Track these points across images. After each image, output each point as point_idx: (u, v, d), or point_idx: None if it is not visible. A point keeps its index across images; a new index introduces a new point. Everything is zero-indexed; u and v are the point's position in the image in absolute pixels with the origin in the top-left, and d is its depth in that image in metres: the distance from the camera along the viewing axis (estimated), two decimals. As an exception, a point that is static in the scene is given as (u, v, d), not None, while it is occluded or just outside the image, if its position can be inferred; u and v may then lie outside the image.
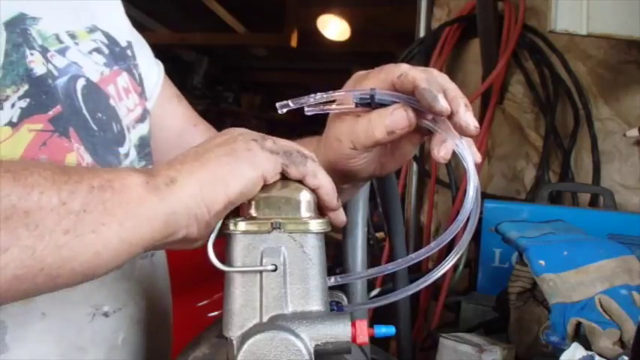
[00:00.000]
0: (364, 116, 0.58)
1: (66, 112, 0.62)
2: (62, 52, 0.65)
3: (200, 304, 2.29)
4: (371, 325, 0.52)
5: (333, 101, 0.61)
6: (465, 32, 1.83)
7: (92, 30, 0.71)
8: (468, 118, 0.54)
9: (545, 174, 1.65)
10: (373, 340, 0.54)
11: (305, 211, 0.54)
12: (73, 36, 0.67)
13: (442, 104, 0.53)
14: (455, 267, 1.66)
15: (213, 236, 0.53)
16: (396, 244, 0.79)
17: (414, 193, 1.91)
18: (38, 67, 0.61)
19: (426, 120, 0.57)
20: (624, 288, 0.92)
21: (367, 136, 0.58)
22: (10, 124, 0.57)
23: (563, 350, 0.82)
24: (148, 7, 4.52)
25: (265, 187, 0.54)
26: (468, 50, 1.87)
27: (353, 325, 0.50)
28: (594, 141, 1.60)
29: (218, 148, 0.53)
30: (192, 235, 0.52)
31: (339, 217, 0.57)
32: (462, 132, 0.55)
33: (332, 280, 0.57)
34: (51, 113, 0.61)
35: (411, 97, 0.55)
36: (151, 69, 0.84)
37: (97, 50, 0.70)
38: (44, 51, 0.63)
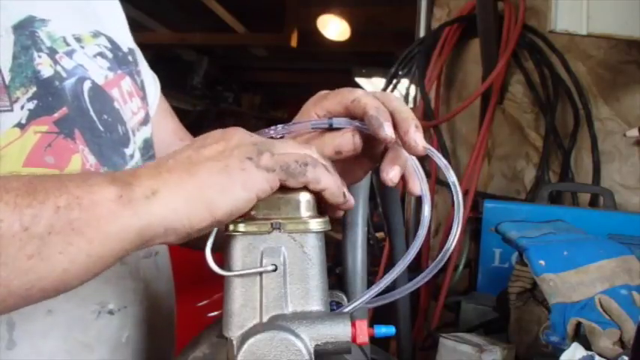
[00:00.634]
0: (319, 133, 0.61)
1: (72, 113, 0.63)
2: (70, 54, 0.66)
3: (200, 304, 2.29)
4: (371, 325, 0.52)
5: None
6: (465, 32, 1.83)
7: (96, 35, 0.72)
8: (417, 137, 0.55)
9: (545, 174, 1.66)
10: (373, 340, 0.54)
11: (305, 211, 0.54)
12: (78, 39, 0.68)
13: (387, 132, 0.55)
14: (455, 267, 1.66)
15: (210, 241, 0.53)
16: (396, 244, 0.79)
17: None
18: (46, 69, 0.62)
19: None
20: (624, 288, 0.92)
21: (318, 151, 0.59)
22: (19, 125, 0.58)
23: (563, 350, 0.82)
24: (148, 7, 4.52)
25: None
26: (468, 50, 1.87)
27: (353, 325, 0.50)
28: (594, 141, 1.60)
29: (211, 162, 0.50)
30: (170, 242, 0.51)
31: (348, 205, 0.57)
32: (411, 151, 0.56)
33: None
34: (56, 115, 0.61)
35: (364, 123, 0.58)
36: (151, 80, 0.86)
37: (101, 54, 0.71)
38: (52, 53, 0.64)
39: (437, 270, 0.56)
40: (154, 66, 0.89)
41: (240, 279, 0.52)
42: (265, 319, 0.51)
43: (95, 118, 0.66)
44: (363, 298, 0.55)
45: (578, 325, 0.86)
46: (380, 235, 2.13)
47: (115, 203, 0.47)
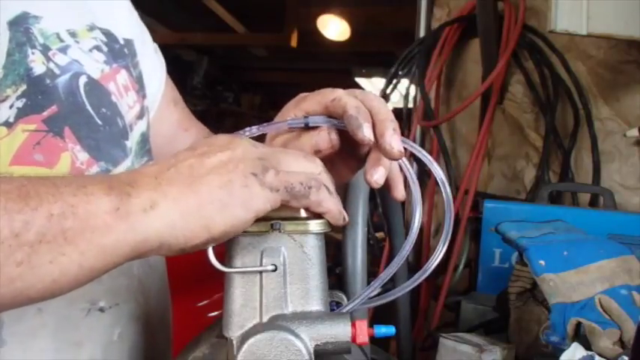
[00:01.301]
0: (297, 132, 0.61)
1: (64, 111, 0.62)
2: (64, 50, 0.65)
3: (200, 304, 2.29)
4: (371, 325, 0.52)
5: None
6: (465, 32, 1.83)
7: (91, 28, 0.71)
8: (394, 141, 0.54)
9: (545, 174, 1.66)
10: (373, 340, 0.54)
11: (304, 212, 0.54)
12: (73, 34, 0.68)
13: (365, 133, 0.54)
14: (455, 267, 1.66)
15: None
16: (396, 244, 0.79)
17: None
18: (38, 67, 0.62)
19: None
20: (624, 288, 0.92)
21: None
22: (6, 124, 0.58)
23: (563, 350, 0.82)
24: (148, 7, 4.52)
25: None
26: (468, 50, 1.87)
27: (353, 325, 0.50)
28: (594, 141, 1.60)
29: (213, 176, 0.49)
30: (162, 255, 0.50)
31: (345, 224, 0.57)
32: (386, 155, 0.55)
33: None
34: (45, 114, 0.61)
35: (342, 121, 0.57)
36: (155, 69, 0.85)
37: (97, 48, 0.70)
38: (46, 49, 0.63)
39: (431, 269, 0.55)
40: (153, 66, 0.89)
41: (241, 279, 0.52)
42: (265, 319, 0.51)
43: (93, 112, 0.66)
44: (359, 298, 0.55)
45: (578, 325, 0.86)
46: (380, 235, 2.13)
47: (112, 216, 0.46)
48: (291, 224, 0.52)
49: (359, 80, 5.73)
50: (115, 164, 0.68)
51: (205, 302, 2.31)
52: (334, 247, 0.87)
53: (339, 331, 0.50)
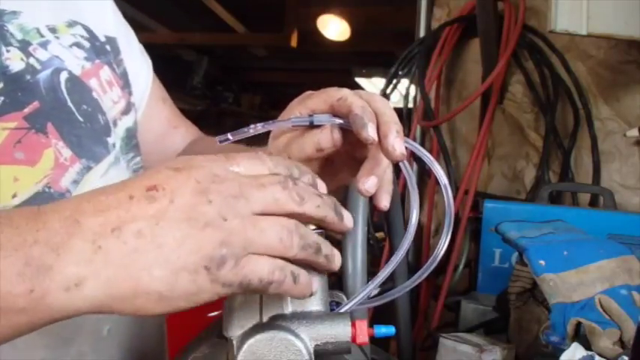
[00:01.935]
0: (300, 131, 0.60)
1: (46, 106, 0.62)
2: (44, 45, 0.65)
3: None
4: (371, 325, 0.52)
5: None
6: (465, 32, 1.83)
7: (72, 24, 0.71)
8: (396, 143, 0.53)
9: (545, 174, 1.65)
10: (373, 340, 0.54)
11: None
12: (53, 30, 0.67)
13: (369, 132, 0.53)
14: (455, 267, 1.66)
15: None
16: (396, 244, 0.79)
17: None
18: (15, 64, 0.61)
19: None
20: (624, 288, 0.92)
21: (299, 150, 0.59)
22: None
23: (563, 350, 0.82)
24: (148, 7, 4.52)
25: None
26: (468, 50, 1.87)
27: (353, 325, 0.50)
28: (594, 141, 1.60)
29: (159, 261, 0.41)
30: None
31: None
32: (389, 156, 0.55)
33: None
34: (27, 110, 0.60)
35: (347, 120, 0.56)
36: (141, 68, 0.84)
37: (77, 44, 0.70)
38: (25, 45, 0.62)
39: (430, 270, 0.55)
40: (153, 66, 0.89)
41: (240, 279, 0.52)
42: (265, 319, 0.51)
43: (74, 109, 0.65)
44: (357, 298, 0.54)
45: (578, 325, 0.86)
46: (380, 235, 2.12)
47: (25, 299, 0.40)
48: (291, 224, 0.52)
49: (359, 80, 5.73)
50: (96, 161, 0.67)
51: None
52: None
53: (339, 331, 0.50)
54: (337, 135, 0.57)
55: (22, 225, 0.42)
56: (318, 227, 0.49)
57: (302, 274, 0.46)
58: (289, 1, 4.84)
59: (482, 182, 1.79)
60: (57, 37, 0.67)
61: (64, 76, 0.65)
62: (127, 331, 0.69)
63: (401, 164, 0.57)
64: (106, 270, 0.41)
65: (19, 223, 0.42)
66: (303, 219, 0.46)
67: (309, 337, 0.49)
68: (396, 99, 2.19)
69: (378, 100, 0.57)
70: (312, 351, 0.49)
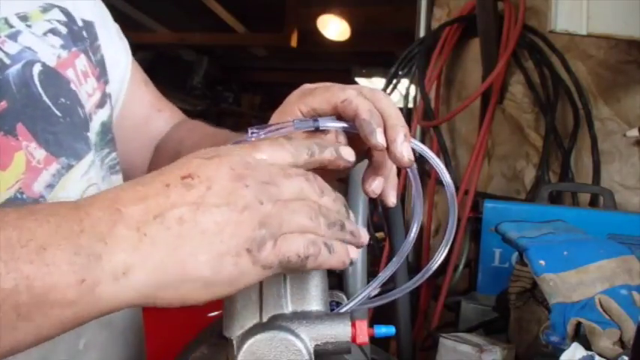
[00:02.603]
0: (303, 134, 0.56)
1: (15, 105, 0.58)
2: (13, 37, 0.60)
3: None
4: (371, 325, 0.52)
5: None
6: (465, 32, 1.83)
7: (47, 9, 0.65)
8: (404, 149, 0.52)
9: (545, 174, 1.66)
10: (373, 340, 0.54)
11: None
12: (24, 18, 0.62)
13: (378, 139, 0.51)
14: (455, 267, 1.66)
15: None
16: (396, 244, 0.79)
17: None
18: None
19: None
20: (624, 288, 0.92)
21: None
22: None
23: (563, 350, 0.82)
24: (148, 7, 4.53)
25: None
26: (468, 50, 1.87)
27: (353, 325, 0.50)
28: (594, 141, 1.60)
29: (204, 247, 0.42)
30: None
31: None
32: (396, 162, 0.53)
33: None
34: None
35: (353, 124, 0.54)
36: (119, 52, 0.79)
37: (53, 31, 0.65)
38: None
39: (431, 271, 0.55)
40: (154, 66, 0.88)
41: (240, 279, 0.52)
42: (265, 319, 0.51)
43: (50, 103, 0.61)
44: (358, 298, 0.54)
45: (578, 325, 0.86)
46: (380, 235, 2.12)
47: (75, 289, 0.39)
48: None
49: (359, 80, 5.73)
50: (77, 158, 0.63)
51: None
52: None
53: (339, 331, 0.50)
54: (343, 140, 0.55)
55: (67, 214, 0.41)
56: None
57: (336, 244, 0.47)
58: (289, 1, 4.85)
59: (482, 182, 1.79)
60: (28, 26, 0.62)
61: (37, 69, 0.60)
62: (104, 343, 0.65)
63: (408, 170, 0.56)
64: (153, 257, 0.41)
65: (64, 213, 0.41)
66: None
67: (309, 337, 0.49)
68: (396, 99, 2.19)
69: (382, 98, 0.55)
70: (312, 351, 0.49)
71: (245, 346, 0.48)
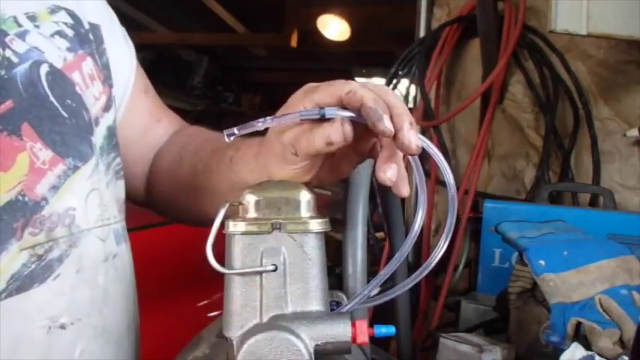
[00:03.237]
0: (308, 125, 0.57)
1: (22, 105, 0.57)
2: (22, 36, 0.59)
3: (200, 304, 2.29)
4: (371, 325, 0.52)
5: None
6: (465, 32, 1.83)
7: (54, 10, 0.65)
8: (411, 136, 0.52)
9: (545, 174, 1.65)
10: (373, 340, 0.54)
11: (305, 211, 0.54)
12: (33, 18, 0.62)
13: (386, 124, 0.52)
14: (455, 267, 1.66)
15: (211, 238, 0.52)
16: (396, 244, 0.79)
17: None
18: None
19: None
20: (624, 288, 0.92)
21: (308, 144, 0.57)
22: None
23: (563, 350, 0.82)
24: (148, 7, 4.53)
25: (265, 187, 0.54)
26: (468, 50, 1.87)
27: (353, 325, 0.50)
28: (594, 141, 1.60)
29: None
30: None
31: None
32: (404, 150, 0.53)
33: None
34: None
35: (359, 114, 0.55)
36: (124, 56, 0.80)
37: (60, 33, 0.64)
38: (2, 35, 0.58)
39: (431, 267, 0.55)
40: (153, 66, 0.88)
41: (241, 279, 0.52)
42: (265, 319, 0.51)
43: (57, 104, 0.60)
44: (358, 297, 0.54)
45: (578, 325, 0.86)
46: (380, 235, 2.12)
47: None
48: (291, 224, 0.52)
49: (359, 80, 5.74)
50: (83, 160, 0.63)
51: (205, 302, 2.31)
52: (334, 247, 0.87)
53: (339, 331, 0.50)
54: (348, 128, 0.55)
55: None
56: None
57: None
58: (289, 1, 4.85)
59: (482, 182, 1.79)
60: (37, 26, 0.61)
61: (44, 69, 0.60)
62: (100, 350, 0.65)
63: (410, 159, 0.56)
64: None
65: None
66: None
67: (309, 337, 0.49)
68: (396, 99, 2.19)
69: (387, 91, 0.56)
70: (312, 351, 0.49)
71: (245, 346, 0.48)
